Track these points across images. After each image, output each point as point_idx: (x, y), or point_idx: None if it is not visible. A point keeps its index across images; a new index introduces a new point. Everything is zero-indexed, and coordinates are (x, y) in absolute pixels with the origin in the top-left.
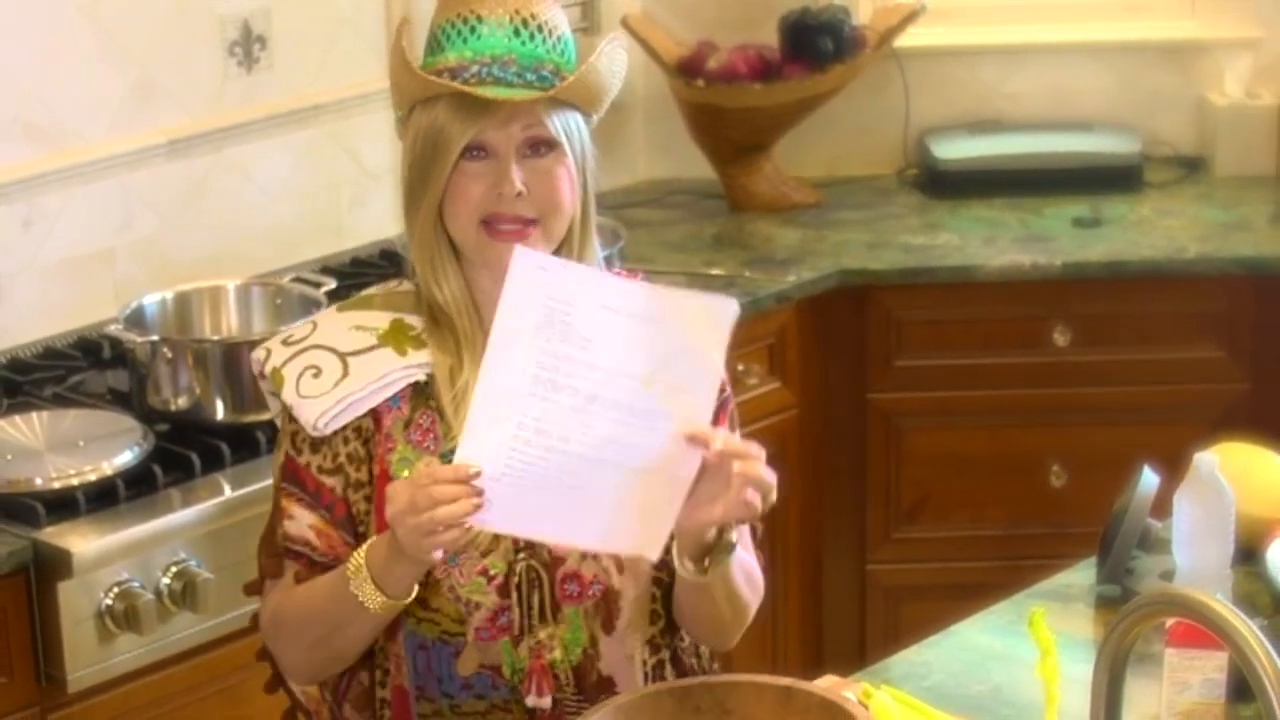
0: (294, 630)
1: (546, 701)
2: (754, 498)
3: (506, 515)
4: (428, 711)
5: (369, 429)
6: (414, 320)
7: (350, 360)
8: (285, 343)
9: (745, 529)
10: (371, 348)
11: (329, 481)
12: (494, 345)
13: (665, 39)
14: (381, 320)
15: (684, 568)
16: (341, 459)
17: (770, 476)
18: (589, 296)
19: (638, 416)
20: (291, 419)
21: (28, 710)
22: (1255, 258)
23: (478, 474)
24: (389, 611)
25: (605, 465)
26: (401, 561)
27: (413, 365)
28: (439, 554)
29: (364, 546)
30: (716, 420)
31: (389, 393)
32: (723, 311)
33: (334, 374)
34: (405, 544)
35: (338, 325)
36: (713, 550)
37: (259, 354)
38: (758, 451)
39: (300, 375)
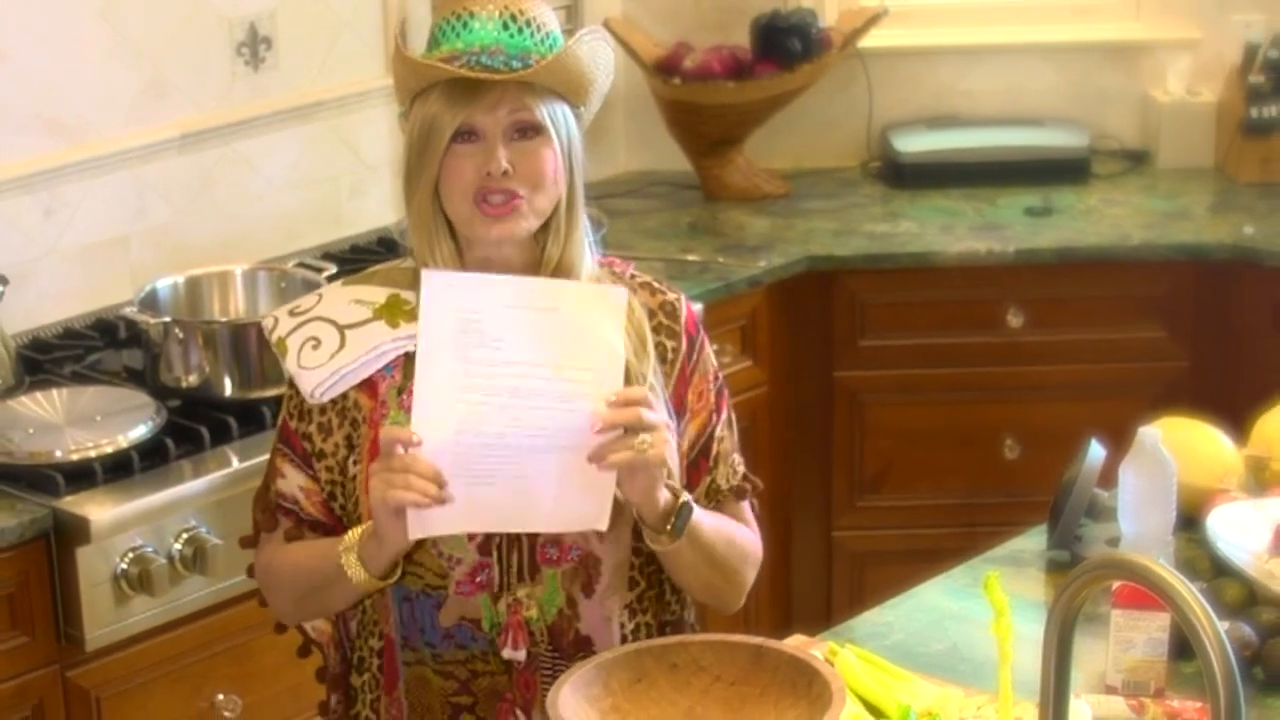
0: (285, 582)
1: (521, 655)
2: (642, 442)
3: (461, 515)
4: (411, 660)
5: (351, 407)
6: (409, 295)
7: (347, 332)
8: (291, 313)
9: (745, 504)
10: (366, 321)
11: (308, 447)
12: (421, 363)
13: (644, 40)
14: (379, 295)
15: (651, 539)
16: (312, 428)
17: (651, 417)
18: (494, 300)
19: (557, 400)
20: (293, 386)
21: (49, 667)
22: (1195, 244)
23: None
24: (369, 587)
25: (540, 451)
26: (377, 539)
27: (402, 337)
28: (406, 532)
29: (360, 526)
30: (718, 405)
31: (381, 364)
32: (615, 297)
33: (331, 346)
34: (373, 491)
35: (340, 298)
36: (673, 515)
37: (268, 322)
38: (638, 399)
39: (302, 346)
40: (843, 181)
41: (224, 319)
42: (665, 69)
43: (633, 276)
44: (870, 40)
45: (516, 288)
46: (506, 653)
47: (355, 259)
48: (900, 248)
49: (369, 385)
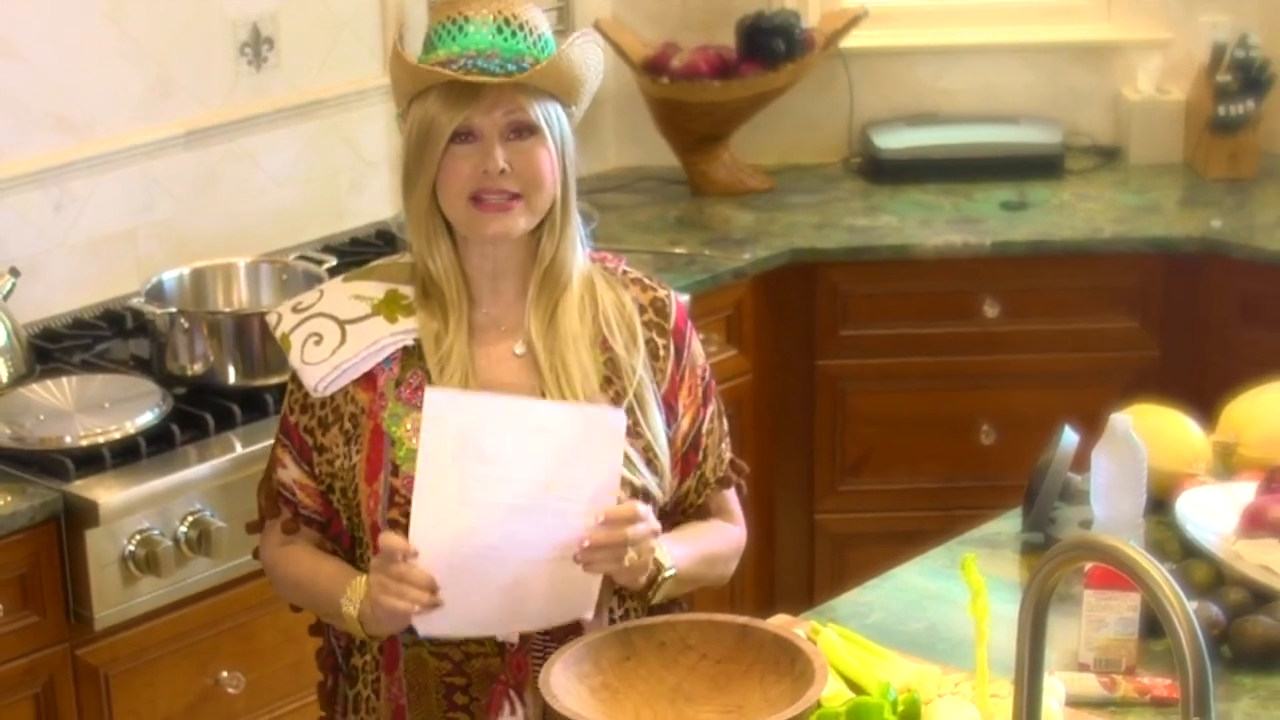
0: (288, 586)
1: (514, 637)
2: (628, 559)
3: (457, 618)
4: (409, 641)
5: (349, 402)
6: (407, 290)
7: (348, 328)
8: (295, 309)
9: (730, 491)
10: (366, 316)
11: (309, 440)
12: (420, 476)
13: (633, 40)
14: (378, 290)
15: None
16: (313, 422)
17: (638, 531)
18: (493, 419)
19: (551, 516)
20: (295, 380)
21: (58, 645)
22: (1165, 237)
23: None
24: (363, 634)
25: (531, 561)
26: (376, 621)
27: (399, 332)
28: (393, 623)
29: (365, 579)
30: (706, 398)
31: (380, 357)
32: (613, 420)
33: (333, 341)
34: (371, 591)
35: (341, 294)
36: (655, 587)
37: (272, 318)
38: (625, 517)
39: (304, 342)
40: (825, 177)
41: (228, 309)
42: (653, 68)
43: (624, 273)
44: (851, 40)
45: (516, 408)
46: (500, 635)
47: (355, 252)
48: (880, 241)
49: (368, 378)
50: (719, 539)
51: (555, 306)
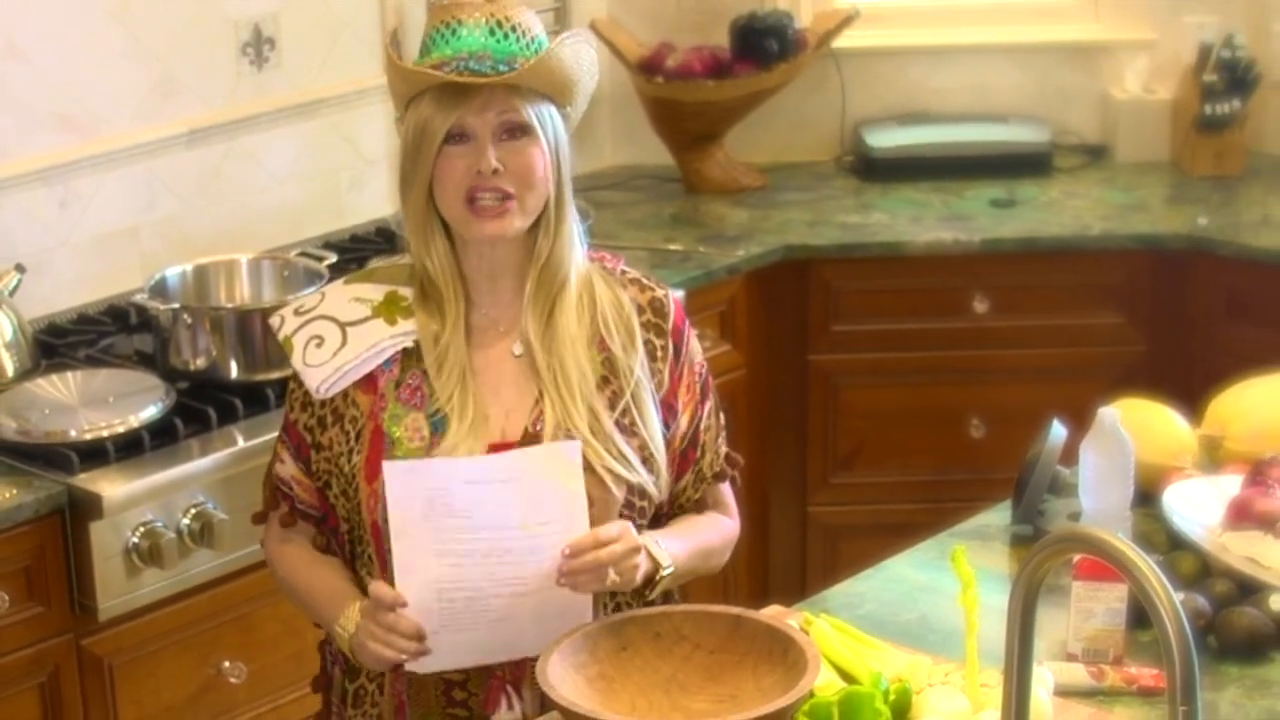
0: (288, 589)
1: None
2: (610, 580)
3: (451, 656)
4: None
5: (349, 405)
6: (406, 292)
7: (349, 330)
8: (296, 312)
9: (725, 484)
10: (366, 319)
11: (307, 438)
12: (396, 539)
13: (629, 40)
14: (378, 293)
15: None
16: (313, 421)
17: (611, 553)
18: (454, 478)
19: (527, 554)
20: (297, 379)
21: (63, 636)
22: (1152, 234)
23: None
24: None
25: (517, 596)
26: (369, 660)
27: (399, 334)
28: (381, 666)
29: (359, 607)
30: (703, 396)
31: (380, 359)
32: (567, 452)
33: (334, 344)
34: (362, 639)
35: (341, 296)
36: (653, 584)
37: (275, 320)
38: (588, 545)
39: (306, 345)
40: (817, 175)
41: (230, 305)
42: (648, 68)
43: (623, 273)
44: (843, 41)
45: (474, 467)
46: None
47: (355, 248)
48: (872, 238)
49: (369, 380)
50: (714, 532)
51: (553, 306)
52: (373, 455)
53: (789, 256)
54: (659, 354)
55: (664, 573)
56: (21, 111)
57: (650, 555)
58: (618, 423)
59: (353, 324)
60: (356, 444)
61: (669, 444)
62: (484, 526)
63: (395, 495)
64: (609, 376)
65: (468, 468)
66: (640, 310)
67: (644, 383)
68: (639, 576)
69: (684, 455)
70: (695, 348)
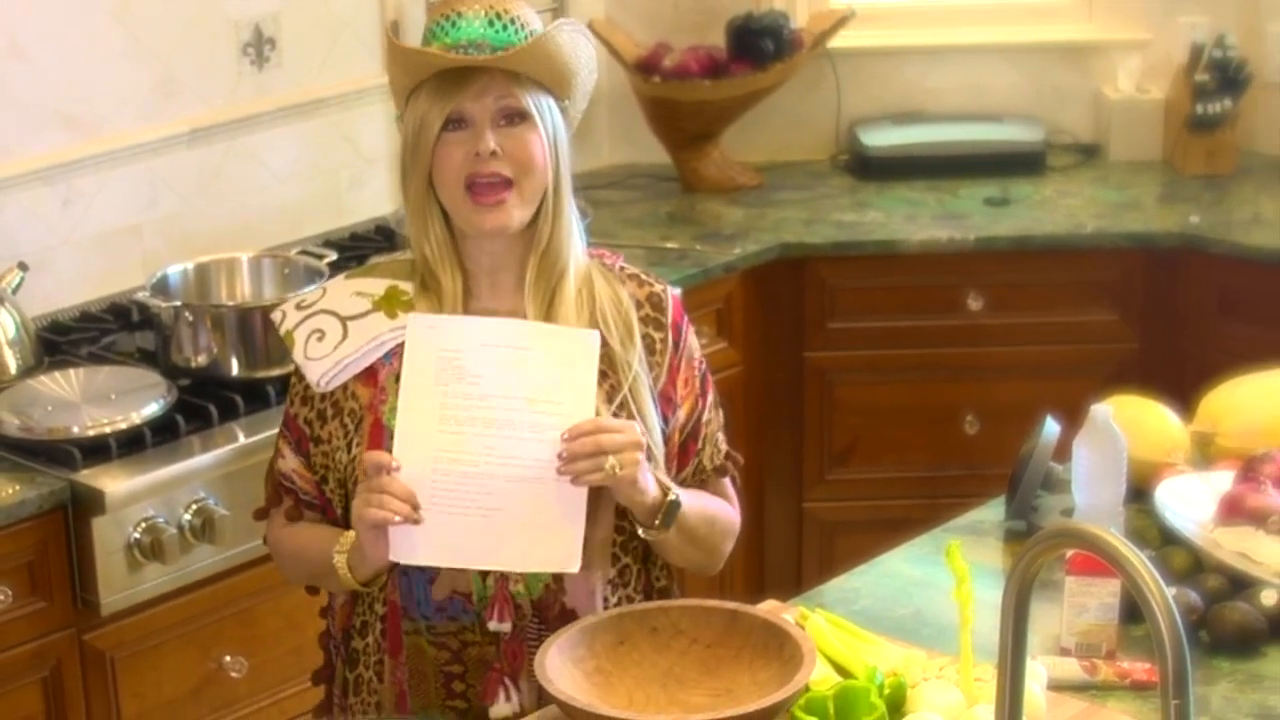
0: (289, 562)
1: (506, 627)
2: (609, 465)
3: (438, 546)
4: (409, 629)
5: (349, 398)
6: (407, 286)
7: (349, 324)
8: (298, 307)
9: (726, 479)
10: (367, 312)
11: (307, 431)
12: (403, 397)
13: (626, 41)
14: (379, 287)
15: (641, 530)
16: (313, 414)
17: (614, 441)
18: (472, 339)
19: (529, 430)
20: (298, 373)
21: (66, 630)
22: (1145, 233)
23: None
24: (355, 587)
25: (513, 481)
26: (360, 552)
27: (399, 327)
28: (386, 551)
29: (354, 531)
30: (703, 389)
31: (380, 353)
32: (588, 341)
33: (335, 337)
34: (354, 509)
35: (343, 291)
36: (662, 511)
37: (276, 315)
38: (590, 429)
39: (307, 339)
40: (813, 174)
41: (231, 303)
42: (646, 68)
43: (622, 269)
44: (838, 41)
45: (494, 328)
46: (493, 625)
47: (354, 246)
48: (867, 236)
49: (369, 373)
50: (718, 506)
51: (552, 299)
52: (372, 448)
53: (785, 254)
54: (657, 347)
55: (672, 496)
56: (24, 111)
57: (659, 483)
58: (615, 416)
59: (353, 318)
60: (356, 436)
61: (668, 438)
62: (491, 394)
63: (412, 351)
64: (607, 371)
65: (487, 329)
66: (639, 305)
67: (642, 377)
68: (640, 476)
69: (684, 448)
70: (694, 343)
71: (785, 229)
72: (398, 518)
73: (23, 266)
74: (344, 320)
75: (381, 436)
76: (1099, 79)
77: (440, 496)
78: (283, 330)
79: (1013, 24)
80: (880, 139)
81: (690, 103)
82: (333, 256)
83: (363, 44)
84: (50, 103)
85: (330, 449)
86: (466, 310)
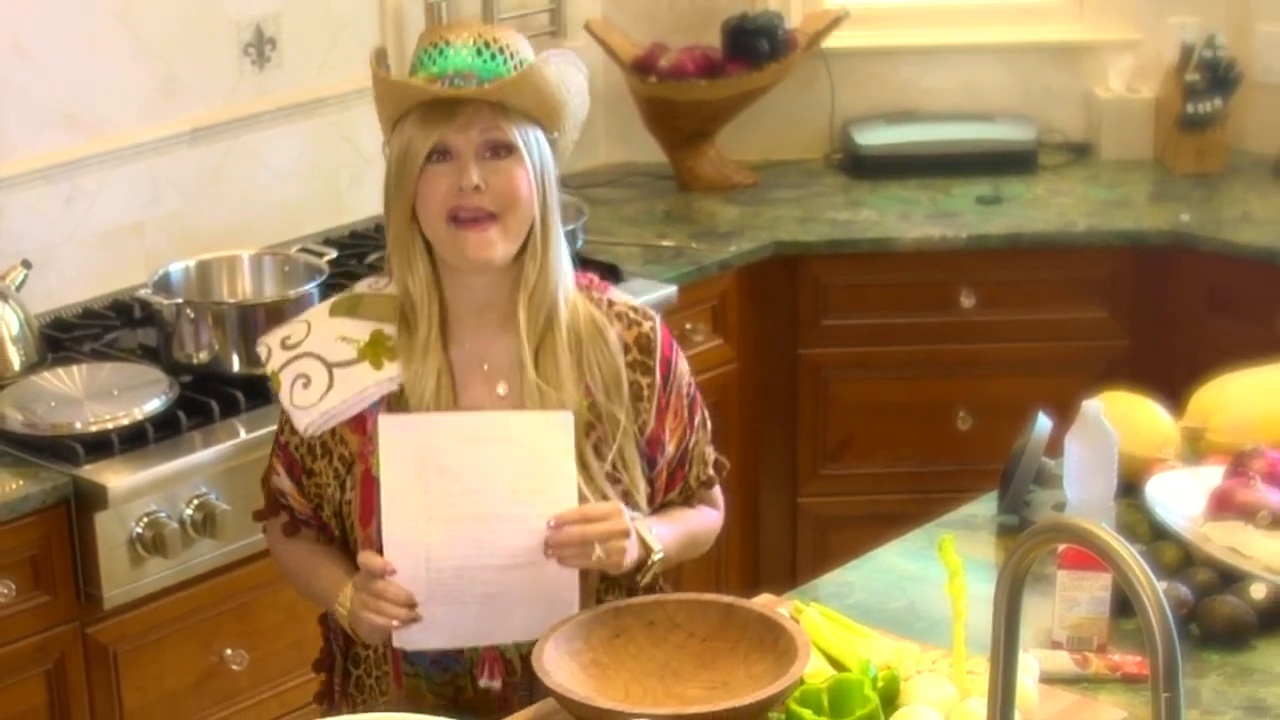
0: (290, 576)
1: (497, 684)
2: (595, 556)
3: (441, 632)
4: (409, 671)
5: (339, 443)
6: (391, 330)
7: (335, 372)
8: (283, 345)
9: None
10: (352, 361)
11: (299, 462)
12: (386, 499)
13: (623, 41)
14: (364, 332)
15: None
16: (304, 448)
17: (597, 530)
18: (448, 436)
19: (515, 523)
20: (285, 414)
21: (69, 624)
22: (1135, 231)
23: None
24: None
25: (505, 569)
26: (364, 633)
27: (384, 379)
28: (376, 637)
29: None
30: (691, 417)
31: (366, 404)
32: (561, 421)
33: (320, 386)
34: (353, 609)
35: (328, 332)
36: (646, 570)
37: (261, 350)
38: (573, 519)
39: (293, 383)
40: (807, 172)
41: (232, 300)
42: (642, 68)
43: (610, 305)
44: (833, 41)
45: (469, 423)
46: (483, 682)
47: (354, 244)
48: (861, 234)
49: (357, 420)
50: (699, 522)
51: (540, 344)
52: (365, 497)
53: (779, 252)
54: (644, 394)
55: (655, 558)
56: (27, 110)
57: (642, 541)
58: (607, 473)
59: (339, 365)
60: (349, 479)
61: (657, 474)
62: (474, 489)
63: (388, 451)
64: (594, 423)
65: (462, 424)
66: (626, 349)
67: (629, 430)
68: (627, 560)
69: (672, 475)
70: (683, 369)
71: (780, 227)
72: (396, 623)
73: (26, 264)
74: (330, 367)
75: (372, 488)
76: (1090, 79)
77: (437, 590)
78: (268, 369)
79: (1004, 24)
80: (874, 138)
81: (686, 102)
82: (333, 254)
83: (363, 44)
84: (53, 102)
85: (323, 483)
86: (452, 359)
